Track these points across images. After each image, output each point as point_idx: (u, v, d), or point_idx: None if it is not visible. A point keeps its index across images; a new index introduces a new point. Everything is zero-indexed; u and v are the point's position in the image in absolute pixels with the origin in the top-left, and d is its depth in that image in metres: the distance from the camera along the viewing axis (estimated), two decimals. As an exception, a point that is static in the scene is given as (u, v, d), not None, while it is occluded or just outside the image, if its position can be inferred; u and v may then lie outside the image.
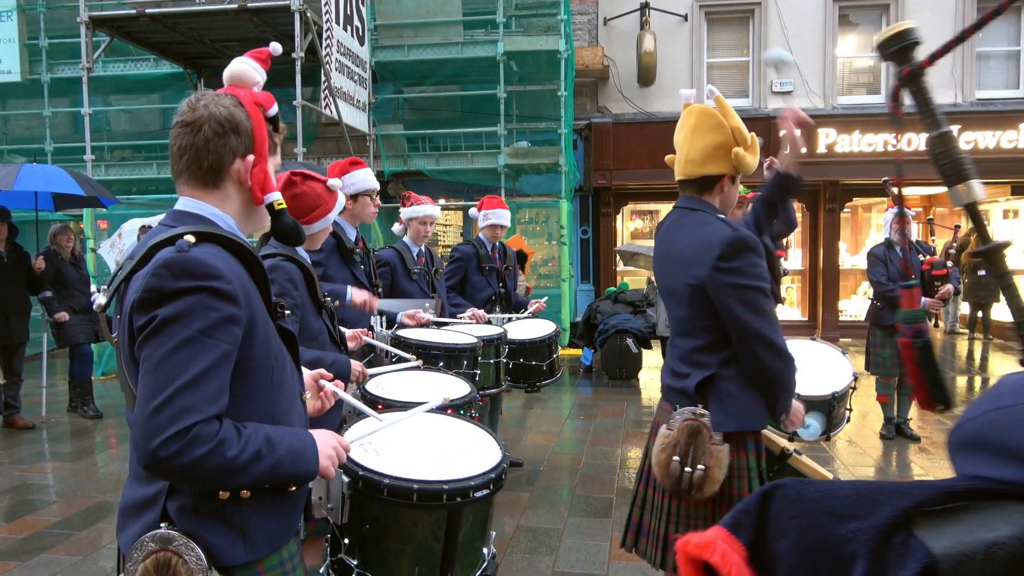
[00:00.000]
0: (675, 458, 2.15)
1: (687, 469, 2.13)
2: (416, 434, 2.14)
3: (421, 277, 4.60)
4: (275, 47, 1.75)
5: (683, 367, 2.30)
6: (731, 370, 2.22)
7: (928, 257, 5.62)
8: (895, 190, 6.08)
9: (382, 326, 3.69)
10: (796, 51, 11.96)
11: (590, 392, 8.60)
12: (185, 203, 1.55)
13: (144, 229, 7.66)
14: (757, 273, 2.14)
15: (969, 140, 11.34)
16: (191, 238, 1.40)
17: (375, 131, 11.10)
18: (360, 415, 2.16)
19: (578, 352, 10.20)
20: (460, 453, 2.04)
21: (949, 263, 5.77)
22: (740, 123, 2.25)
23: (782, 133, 2.55)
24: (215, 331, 1.35)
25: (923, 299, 5.63)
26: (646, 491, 2.39)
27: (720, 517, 2.27)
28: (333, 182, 2.67)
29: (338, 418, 2.58)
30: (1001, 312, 12.23)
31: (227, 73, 1.63)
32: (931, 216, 9.28)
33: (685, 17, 12.28)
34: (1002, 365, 10.38)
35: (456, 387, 2.90)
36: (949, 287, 5.57)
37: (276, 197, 1.60)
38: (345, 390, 2.81)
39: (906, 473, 5.45)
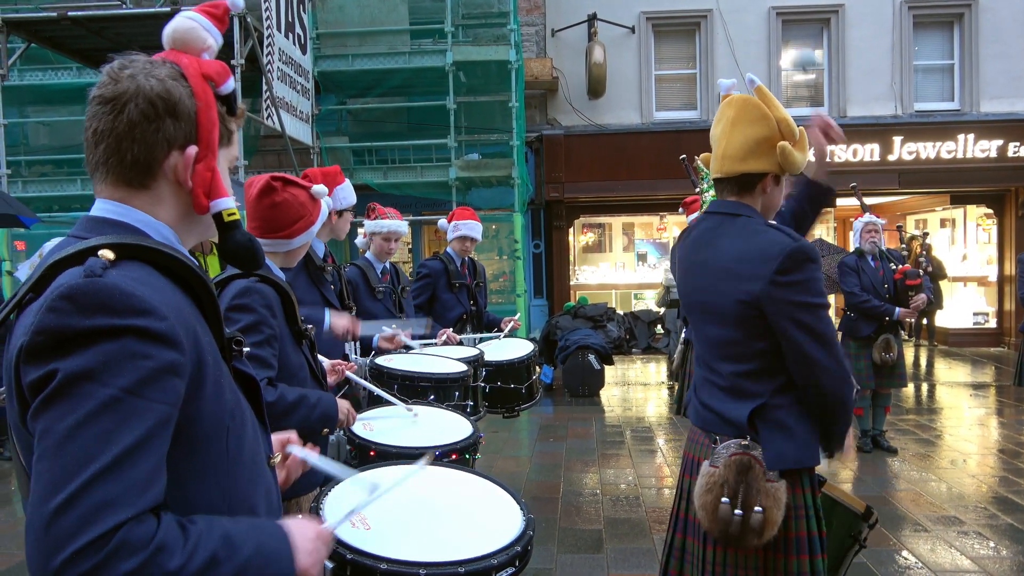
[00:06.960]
0: (723, 499, 1.85)
1: (738, 512, 1.84)
2: (412, 495, 1.73)
3: (387, 296, 4.25)
4: (235, 2, 1.35)
5: (725, 395, 2.02)
6: (786, 398, 1.95)
7: (901, 266, 5.54)
8: (864, 199, 6.04)
9: (357, 353, 3.31)
10: (741, 63, 12.06)
11: (552, 411, 8.31)
12: (104, 207, 1.15)
13: (70, 249, 6.99)
14: (819, 289, 1.90)
15: (911, 151, 11.61)
16: (108, 254, 1.01)
17: (319, 144, 10.62)
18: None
19: (537, 369, 9.93)
20: (471, 518, 1.68)
21: (922, 271, 5.72)
22: (787, 115, 2.01)
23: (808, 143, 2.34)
24: (147, 388, 0.96)
25: (896, 309, 5.55)
26: (684, 539, 2.07)
27: (774, 565, 2.03)
28: (318, 189, 2.30)
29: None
30: (944, 318, 12.54)
31: (167, 33, 1.23)
32: (900, 224, 9.35)
33: (632, 29, 12.23)
34: (948, 372, 10.57)
35: (455, 427, 2.56)
36: (923, 296, 5.50)
37: (227, 205, 1.21)
38: (331, 435, 2.45)
39: (885, 485, 5.32)
